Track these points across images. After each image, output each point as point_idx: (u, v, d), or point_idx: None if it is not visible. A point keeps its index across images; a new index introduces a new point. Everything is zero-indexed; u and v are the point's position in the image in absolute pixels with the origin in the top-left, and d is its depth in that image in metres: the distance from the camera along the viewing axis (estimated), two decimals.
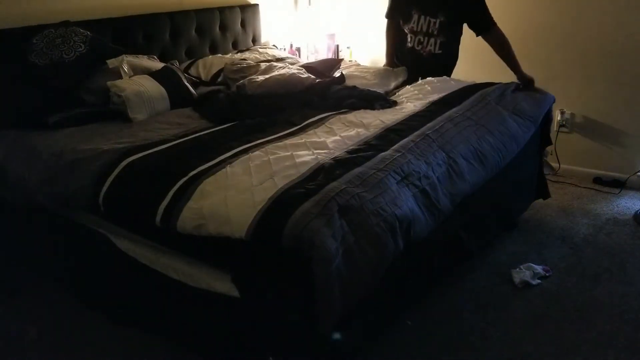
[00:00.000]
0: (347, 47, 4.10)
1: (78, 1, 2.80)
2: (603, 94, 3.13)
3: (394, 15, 3.01)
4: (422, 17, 2.83)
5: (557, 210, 2.90)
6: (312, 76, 2.72)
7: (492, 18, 2.77)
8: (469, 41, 3.49)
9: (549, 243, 2.57)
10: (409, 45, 2.94)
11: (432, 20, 2.81)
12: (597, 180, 3.24)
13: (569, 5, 3.10)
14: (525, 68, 3.31)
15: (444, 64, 2.94)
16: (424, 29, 2.85)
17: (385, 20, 3.08)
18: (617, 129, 3.15)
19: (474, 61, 3.53)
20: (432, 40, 2.86)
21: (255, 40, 3.71)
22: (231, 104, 2.49)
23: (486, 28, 2.76)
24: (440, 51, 2.88)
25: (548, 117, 2.61)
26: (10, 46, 2.39)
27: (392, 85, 2.84)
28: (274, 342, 1.56)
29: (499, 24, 3.42)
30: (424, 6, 2.81)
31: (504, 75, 3.34)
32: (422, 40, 2.89)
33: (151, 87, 2.44)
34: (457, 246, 2.07)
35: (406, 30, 2.93)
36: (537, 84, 3.14)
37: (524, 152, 2.34)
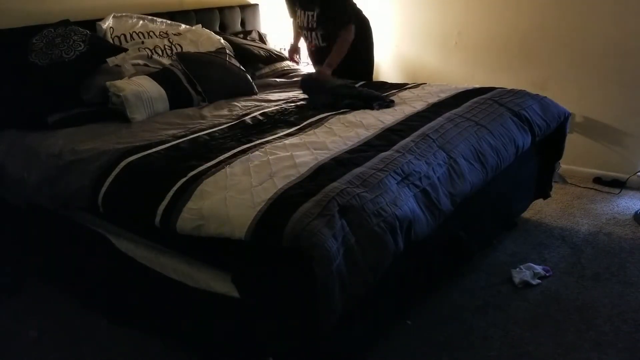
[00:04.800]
0: None
1: (78, 1, 2.81)
2: (603, 94, 3.12)
3: (290, 13, 3.14)
4: (303, 12, 2.97)
5: (557, 210, 2.90)
6: None
7: (349, 18, 2.90)
8: (467, 42, 3.50)
9: (549, 243, 2.57)
10: (304, 41, 3.10)
11: (310, 13, 2.92)
12: (597, 180, 3.24)
13: (569, 5, 3.10)
14: (526, 68, 3.33)
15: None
16: (305, 23, 2.96)
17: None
18: (617, 129, 3.14)
19: (473, 62, 3.54)
20: (313, 34, 2.97)
21: (254, 41, 3.70)
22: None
23: (340, 26, 2.87)
24: (324, 44, 2.96)
25: (563, 131, 2.57)
26: (10, 46, 2.39)
27: None
28: (274, 342, 1.56)
29: (499, 25, 3.43)
30: (302, 1, 2.94)
31: (503, 76, 3.35)
32: (307, 35, 3.02)
33: (150, 87, 2.44)
34: (457, 246, 2.07)
35: (297, 28, 3.09)
36: (537, 84, 3.14)
37: (524, 152, 2.34)
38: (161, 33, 2.90)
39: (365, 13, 3.14)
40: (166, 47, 2.84)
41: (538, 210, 2.88)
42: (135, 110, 2.34)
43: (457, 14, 3.52)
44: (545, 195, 2.77)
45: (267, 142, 1.97)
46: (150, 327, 1.99)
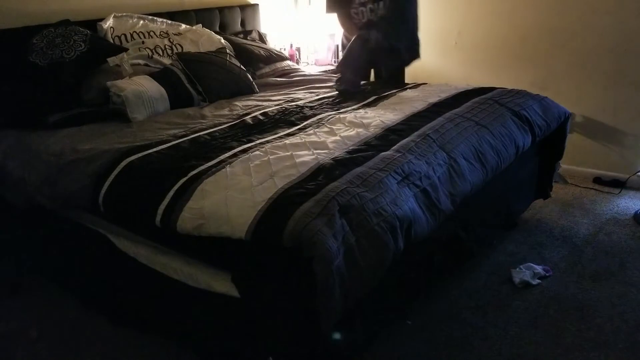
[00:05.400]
0: None
1: (78, 1, 2.81)
2: (603, 94, 3.13)
3: (336, 3, 3.03)
4: None
5: (557, 210, 2.90)
6: None
7: None
8: (467, 42, 3.50)
9: (549, 243, 2.57)
10: (352, 17, 2.97)
11: None
12: (597, 180, 3.24)
13: (569, 6, 3.10)
14: (526, 68, 3.33)
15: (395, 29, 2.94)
16: None
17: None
18: (617, 129, 3.14)
19: (473, 62, 3.54)
20: (380, 3, 2.87)
21: (254, 41, 3.71)
22: None
23: None
24: (385, 12, 2.89)
25: (563, 131, 2.57)
26: (11, 46, 2.39)
27: None
28: (274, 342, 1.56)
29: (499, 25, 3.43)
30: None
31: (503, 76, 3.35)
32: (373, 8, 2.90)
33: (151, 87, 2.45)
34: (457, 246, 2.07)
35: (354, 9, 2.94)
36: (537, 84, 3.15)
37: (524, 152, 2.34)
38: (162, 33, 2.90)
39: None
40: (167, 47, 2.84)
41: (538, 210, 2.88)
42: (136, 110, 2.35)
43: (457, 14, 3.52)
44: (546, 195, 2.77)
45: (268, 141, 1.97)
46: (150, 327, 1.99)
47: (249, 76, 2.91)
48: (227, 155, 1.84)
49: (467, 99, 2.43)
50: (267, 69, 3.28)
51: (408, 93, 2.66)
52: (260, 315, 1.55)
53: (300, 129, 2.13)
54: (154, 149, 1.94)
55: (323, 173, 1.64)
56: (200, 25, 3.17)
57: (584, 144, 3.25)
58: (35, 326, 2.09)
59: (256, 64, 3.21)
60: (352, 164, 1.71)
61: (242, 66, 2.91)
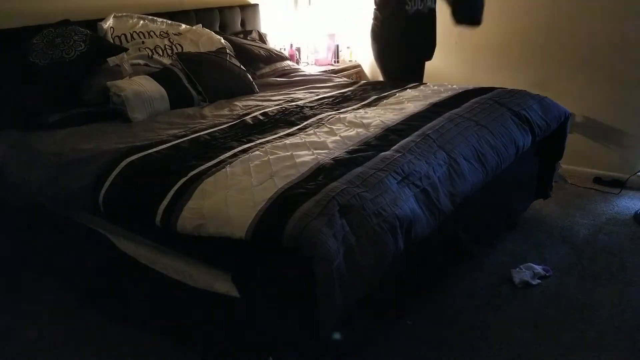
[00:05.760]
0: (347, 47, 4.10)
1: (78, 1, 2.81)
2: (603, 94, 3.13)
3: None
4: None
5: (557, 210, 2.90)
6: None
7: None
8: (467, 42, 3.50)
9: (549, 243, 2.57)
10: (412, 8, 3.01)
11: None
12: (597, 180, 3.24)
13: (568, 6, 3.10)
14: (526, 68, 3.33)
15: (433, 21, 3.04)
16: None
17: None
18: (617, 129, 3.15)
19: (473, 62, 3.54)
20: None
21: (254, 41, 3.71)
22: None
23: None
24: (434, 6, 3.01)
25: (563, 131, 2.58)
26: (10, 46, 2.39)
27: None
28: (274, 342, 1.56)
29: (500, 25, 3.43)
30: None
31: (503, 76, 3.35)
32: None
33: (151, 87, 2.45)
34: (457, 246, 2.07)
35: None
36: (537, 84, 3.14)
37: (524, 152, 2.34)
38: (161, 33, 2.90)
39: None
40: (166, 47, 2.85)
41: (538, 210, 2.88)
42: (136, 110, 2.35)
43: None
44: (546, 195, 2.77)
45: (268, 141, 1.97)
46: (150, 327, 1.99)
47: (249, 76, 2.91)
48: (227, 155, 1.84)
49: (467, 99, 2.43)
50: (267, 69, 3.28)
51: (408, 93, 2.66)
52: (260, 315, 1.55)
53: (300, 129, 2.13)
54: (154, 149, 1.94)
55: (323, 173, 1.64)
56: (200, 25, 3.17)
57: (584, 144, 3.25)
58: (35, 326, 2.09)
59: (256, 64, 3.21)
60: (352, 164, 1.71)
61: (242, 66, 2.91)
